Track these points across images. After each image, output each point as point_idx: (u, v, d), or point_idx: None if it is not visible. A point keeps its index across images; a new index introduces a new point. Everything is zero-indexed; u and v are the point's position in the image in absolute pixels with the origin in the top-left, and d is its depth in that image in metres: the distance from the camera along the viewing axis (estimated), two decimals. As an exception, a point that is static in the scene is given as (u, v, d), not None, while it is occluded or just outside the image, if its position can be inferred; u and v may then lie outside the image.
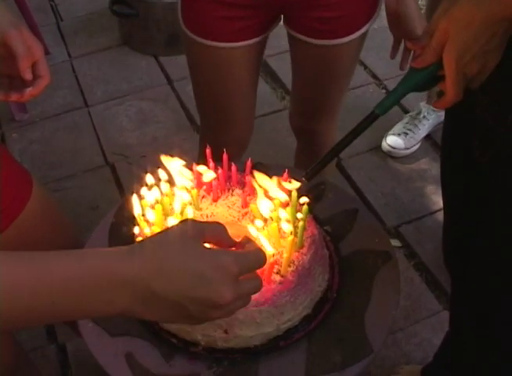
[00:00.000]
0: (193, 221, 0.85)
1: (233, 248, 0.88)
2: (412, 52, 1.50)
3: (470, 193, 1.36)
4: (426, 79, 1.06)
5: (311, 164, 1.14)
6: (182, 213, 1.12)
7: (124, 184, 2.73)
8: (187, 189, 1.16)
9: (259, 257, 0.85)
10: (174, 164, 1.17)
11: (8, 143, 2.98)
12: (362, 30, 1.64)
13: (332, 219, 1.30)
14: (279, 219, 1.07)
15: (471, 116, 1.18)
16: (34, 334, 2.18)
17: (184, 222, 0.84)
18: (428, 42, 1.01)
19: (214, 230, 0.86)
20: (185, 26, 1.69)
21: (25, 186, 1.42)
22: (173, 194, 1.16)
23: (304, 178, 1.13)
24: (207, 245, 0.82)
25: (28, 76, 1.14)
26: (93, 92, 3.26)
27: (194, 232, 0.81)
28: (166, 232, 0.83)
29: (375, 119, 1.11)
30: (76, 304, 0.76)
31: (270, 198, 1.10)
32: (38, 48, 1.16)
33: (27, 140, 3.01)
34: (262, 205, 1.09)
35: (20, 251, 0.75)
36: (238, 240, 0.89)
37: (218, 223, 0.87)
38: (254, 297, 1.02)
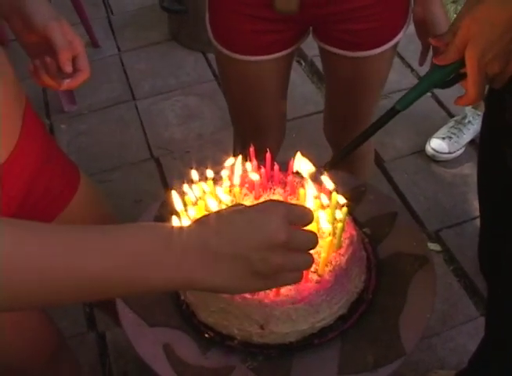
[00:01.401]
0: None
1: None
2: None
3: (504, 200, 1.36)
4: (448, 76, 1.08)
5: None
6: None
7: (168, 178, 2.77)
8: (230, 188, 1.18)
9: (307, 210, 0.87)
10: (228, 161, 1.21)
11: (56, 134, 3.05)
12: (393, 42, 1.63)
13: (371, 222, 1.31)
14: (318, 219, 1.09)
15: (503, 121, 1.18)
16: (74, 321, 2.22)
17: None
18: (451, 40, 1.02)
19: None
20: (214, 39, 1.70)
21: (73, 177, 1.45)
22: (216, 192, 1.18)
23: (323, 169, 1.16)
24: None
25: (68, 68, 1.16)
26: (141, 86, 3.31)
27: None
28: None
29: (395, 114, 1.14)
30: (144, 272, 0.77)
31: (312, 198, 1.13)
32: (79, 42, 1.18)
33: (74, 131, 3.07)
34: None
35: None
36: None
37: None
38: (290, 294, 1.05)
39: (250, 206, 0.84)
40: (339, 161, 1.21)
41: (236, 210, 0.84)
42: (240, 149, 1.76)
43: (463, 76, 1.05)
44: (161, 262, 0.77)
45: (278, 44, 1.65)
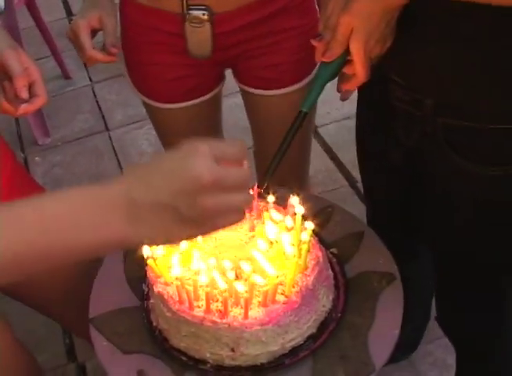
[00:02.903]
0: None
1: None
2: None
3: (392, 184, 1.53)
4: (337, 69, 1.17)
5: None
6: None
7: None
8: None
9: (235, 145, 0.84)
10: None
11: (31, 166, 3.06)
12: (311, 76, 1.62)
13: (338, 242, 1.33)
14: (283, 242, 1.12)
15: (387, 107, 1.31)
16: (54, 353, 2.23)
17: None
18: (332, 37, 1.12)
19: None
20: (137, 91, 1.71)
21: None
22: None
23: (262, 191, 1.20)
24: None
25: (23, 94, 1.18)
26: (113, 116, 3.33)
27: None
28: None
29: (304, 117, 1.20)
30: (74, 234, 0.77)
31: (276, 222, 1.15)
32: (35, 69, 1.22)
33: (49, 164, 3.08)
34: (268, 229, 1.14)
35: None
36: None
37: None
38: (258, 316, 1.07)
39: (171, 152, 0.82)
40: (269, 178, 1.23)
41: (157, 158, 0.83)
42: None
43: (347, 62, 1.16)
44: (91, 223, 0.77)
45: (200, 88, 1.67)
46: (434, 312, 1.83)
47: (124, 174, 0.83)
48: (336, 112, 3.09)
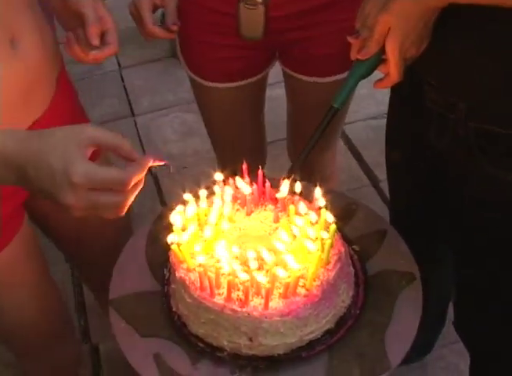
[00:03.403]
0: (84, 129, 0.91)
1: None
2: None
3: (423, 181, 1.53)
4: (372, 67, 1.19)
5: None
6: (216, 225, 1.18)
7: (166, 193, 2.80)
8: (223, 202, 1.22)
9: (119, 177, 0.89)
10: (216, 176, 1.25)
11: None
12: None
13: (361, 239, 1.34)
14: (307, 236, 1.12)
15: (420, 108, 1.33)
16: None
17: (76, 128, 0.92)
18: (369, 35, 1.14)
19: (104, 141, 0.92)
20: (188, 69, 1.76)
21: None
22: (211, 206, 1.22)
23: (286, 178, 1.24)
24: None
25: (95, 41, 1.24)
26: (140, 103, 3.35)
27: (78, 138, 0.89)
28: (57, 130, 0.90)
29: (335, 113, 1.23)
30: None
31: (301, 215, 1.16)
32: (109, 19, 1.27)
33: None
34: (293, 221, 1.14)
35: None
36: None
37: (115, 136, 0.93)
38: (278, 307, 1.08)
39: (66, 159, 0.86)
40: (297, 169, 1.26)
41: (61, 153, 0.87)
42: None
43: (382, 61, 1.17)
44: None
45: (248, 70, 1.71)
46: (450, 315, 1.84)
47: (33, 144, 0.89)
48: (362, 111, 3.08)
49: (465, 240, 1.45)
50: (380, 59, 1.17)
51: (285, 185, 1.22)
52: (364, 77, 1.21)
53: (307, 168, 1.32)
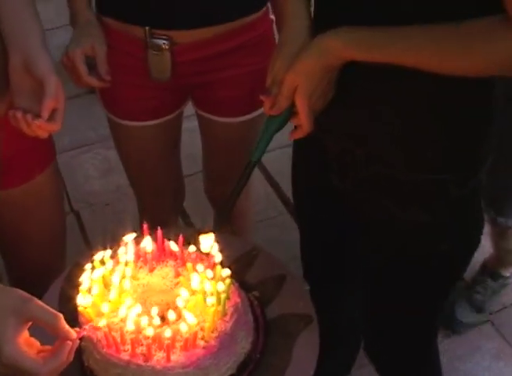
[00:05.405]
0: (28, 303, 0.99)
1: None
2: None
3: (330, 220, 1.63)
4: (284, 122, 1.28)
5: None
6: (120, 284, 1.25)
7: (88, 231, 2.84)
8: (126, 263, 1.29)
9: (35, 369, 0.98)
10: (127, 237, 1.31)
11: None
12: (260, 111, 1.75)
13: (261, 284, 1.42)
14: (204, 291, 1.20)
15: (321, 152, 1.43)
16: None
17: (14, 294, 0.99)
18: (279, 92, 1.23)
19: (39, 317, 1.01)
20: (105, 108, 1.86)
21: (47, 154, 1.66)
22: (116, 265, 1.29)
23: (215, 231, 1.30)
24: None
25: (46, 114, 1.27)
26: (61, 140, 3.36)
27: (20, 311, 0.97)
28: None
29: (254, 166, 1.32)
30: None
31: (198, 272, 1.24)
32: (63, 98, 1.31)
33: None
34: (191, 278, 1.22)
35: None
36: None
37: (50, 314, 1.02)
38: (180, 359, 1.15)
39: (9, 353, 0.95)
40: (224, 220, 1.35)
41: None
42: (141, 210, 1.93)
43: (292, 114, 1.26)
44: None
45: (161, 109, 1.82)
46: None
47: None
48: (278, 140, 3.15)
49: (368, 272, 1.55)
50: (291, 111, 1.26)
51: (206, 240, 1.29)
52: (278, 130, 1.30)
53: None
